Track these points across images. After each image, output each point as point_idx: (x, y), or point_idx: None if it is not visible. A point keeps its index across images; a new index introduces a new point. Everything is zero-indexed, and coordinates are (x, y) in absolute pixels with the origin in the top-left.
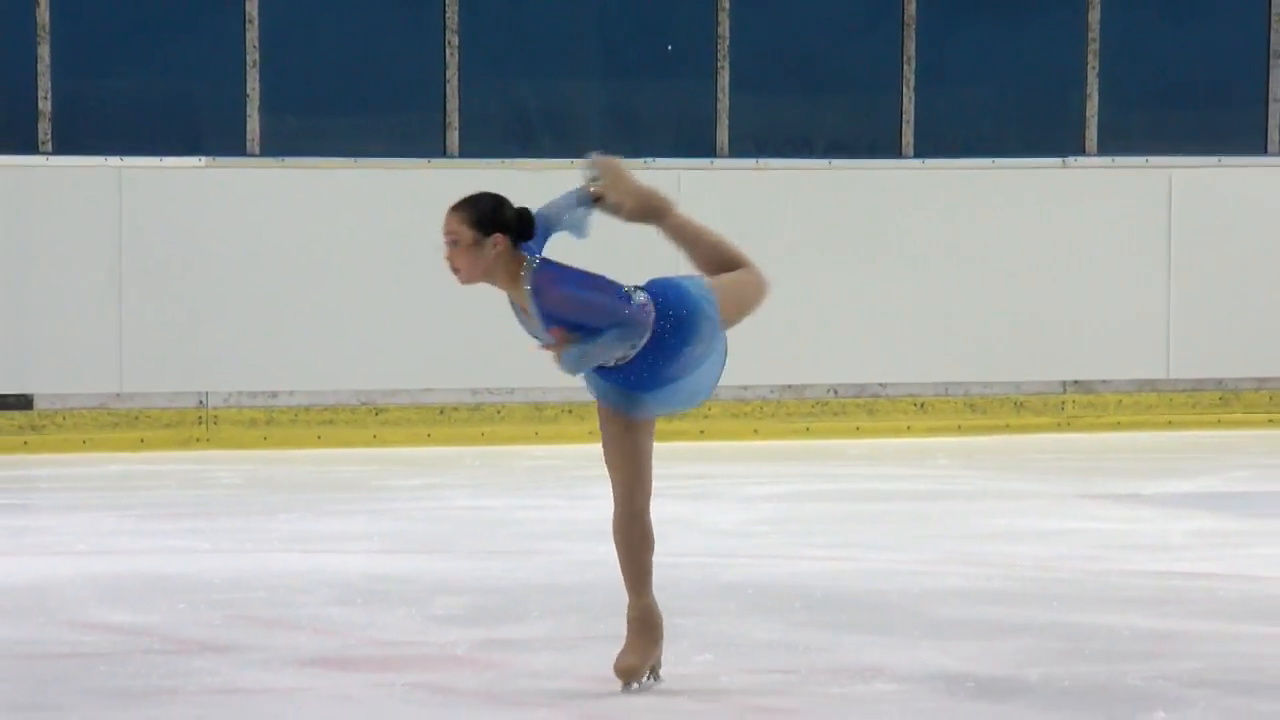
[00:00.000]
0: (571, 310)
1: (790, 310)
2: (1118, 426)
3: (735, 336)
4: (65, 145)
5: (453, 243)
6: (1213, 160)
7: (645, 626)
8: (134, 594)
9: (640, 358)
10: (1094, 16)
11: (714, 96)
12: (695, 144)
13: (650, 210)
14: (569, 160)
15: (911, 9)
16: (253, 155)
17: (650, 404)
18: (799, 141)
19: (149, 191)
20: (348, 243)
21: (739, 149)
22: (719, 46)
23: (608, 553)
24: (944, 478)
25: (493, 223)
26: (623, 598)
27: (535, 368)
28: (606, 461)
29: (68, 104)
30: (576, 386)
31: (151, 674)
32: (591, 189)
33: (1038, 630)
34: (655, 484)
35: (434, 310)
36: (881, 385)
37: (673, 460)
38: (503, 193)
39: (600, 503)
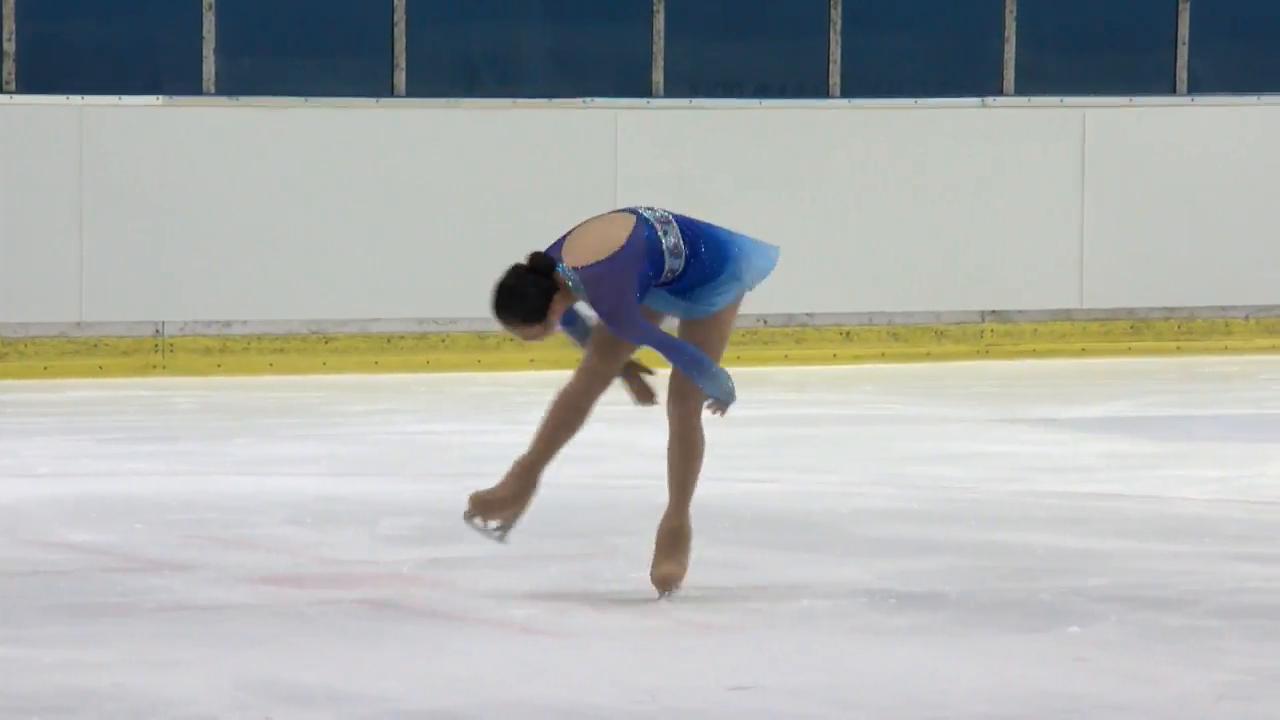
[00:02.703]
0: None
1: None
2: (1034, 354)
3: None
4: (29, 84)
5: (532, 339)
6: (1124, 100)
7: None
8: (94, 515)
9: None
10: None
11: (650, 39)
12: (632, 85)
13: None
14: (510, 100)
15: None
16: (208, 95)
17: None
18: (731, 82)
19: (109, 129)
20: (299, 179)
21: (674, 90)
22: None
23: (553, 474)
24: (868, 403)
25: (539, 304)
26: (563, 519)
27: (478, 298)
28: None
29: (31, 45)
30: None
31: (111, 591)
32: None
33: (957, 548)
34: (601, 409)
35: (381, 243)
36: (809, 315)
37: (615, 388)
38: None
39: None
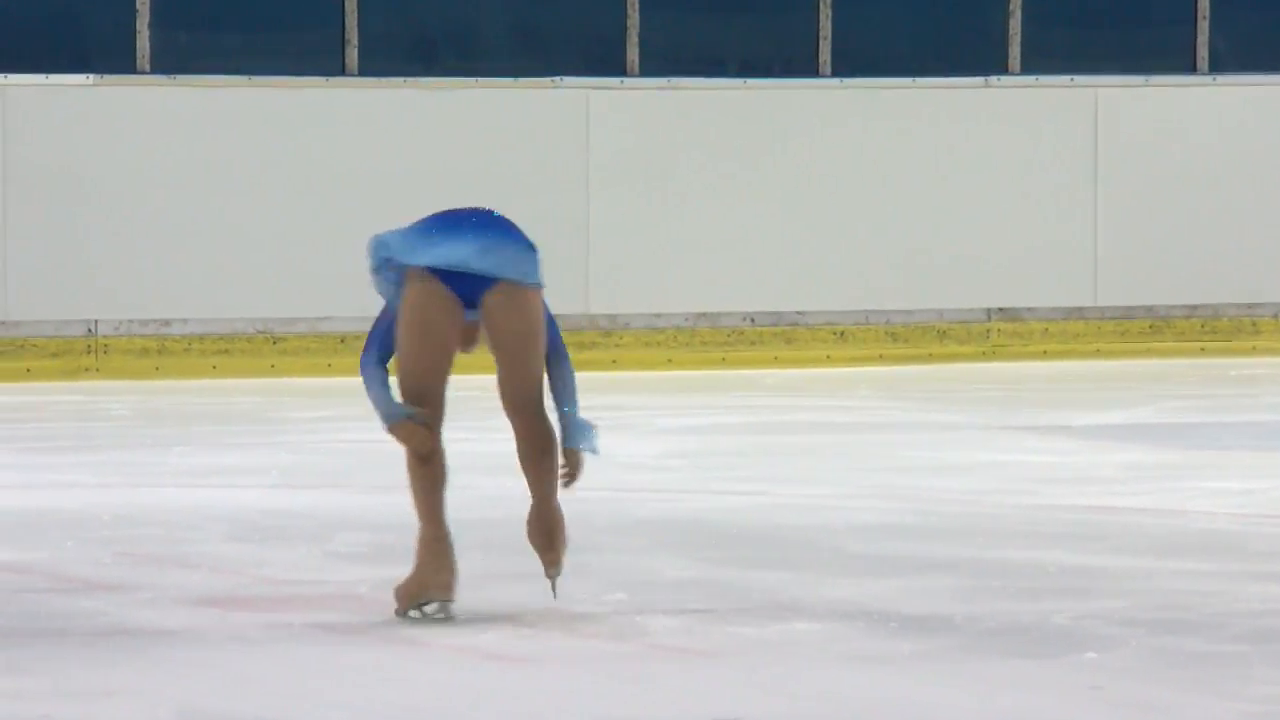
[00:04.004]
0: None
1: (705, 236)
2: (1044, 355)
3: (647, 263)
4: None
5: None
6: (1140, 80)
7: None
8: (18, 530)
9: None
10: None
11: (624, 13)
12: (604, 63)
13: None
14: (472, 79)
15: None
16: (143, 73)
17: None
18: (712, 60)
19: (33, 111)
20: (243, 165)
21: (650, 68)
22: None
23: (516, 487)
24: (864, 409)
25: None
26: (523, 533)
27: None
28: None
29: None
30: None
31: (37, 614)
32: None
33: (961, 567)
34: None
35: (333, 235)
36: (800, 313)
37: (582, 390)
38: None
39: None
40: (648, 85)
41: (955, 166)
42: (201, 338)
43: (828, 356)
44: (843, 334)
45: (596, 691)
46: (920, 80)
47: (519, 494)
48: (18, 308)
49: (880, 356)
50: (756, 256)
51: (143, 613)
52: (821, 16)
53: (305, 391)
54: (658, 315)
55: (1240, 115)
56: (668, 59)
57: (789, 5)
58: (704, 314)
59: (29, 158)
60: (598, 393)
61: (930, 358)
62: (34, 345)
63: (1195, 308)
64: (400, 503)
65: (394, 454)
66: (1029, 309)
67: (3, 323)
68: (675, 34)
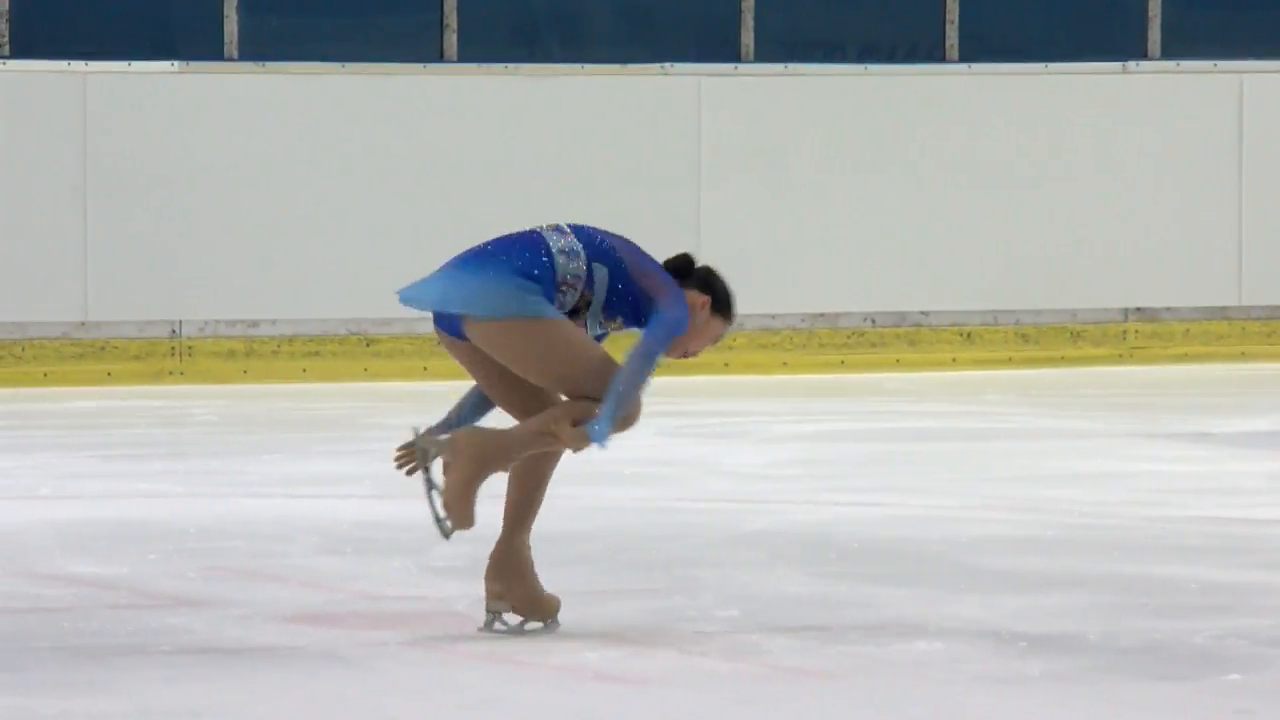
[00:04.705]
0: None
1: (823, 231)
2: (1184, 358)
3: (761, 259)
4: (25, 48)
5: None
6: None
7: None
8: (100, 543)
9: None
10: None
11: None
12: (718, 48)
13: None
14: (578, 66)
15: None
16: (230, 60)
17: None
18: (831, 45)
19: (116, 99)
20: (335, 156)
21: (765, 53)
22: None
23: (622, 497)
24: (992, 415)
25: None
26: (640, 549)
27: None
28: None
29: (28, 3)
30: None
31: (120, 631)
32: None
33: (1095, 583)
34: (676, 421)
35: (430, 230)
36: (924, 313)
37: (693, 396)
38: (505, 102)
39: (619, 443)
40: (763, 72)
41: (1090, 158)
42: (291, 339)
43: (953, 359)
44: (969, 335)
45: (709, 714)
46: (1053, 66)
47: (620, 505)
48: (99, 307)
49: (1009, 359)
50: (877, 253)
51: (230, 630)
52: None
53: (400, 396)
54: (773, 315)
55: None
56: (784, 44)
57: None
58: (822, 314)
59: (111, 149)
60: (708, 397)
61: (1063, 360)
62: (116, 347)
63: None
64: (497, 514)
65: None
66: (1169, 309)
67: (83, 324)
68: (792, 17)
